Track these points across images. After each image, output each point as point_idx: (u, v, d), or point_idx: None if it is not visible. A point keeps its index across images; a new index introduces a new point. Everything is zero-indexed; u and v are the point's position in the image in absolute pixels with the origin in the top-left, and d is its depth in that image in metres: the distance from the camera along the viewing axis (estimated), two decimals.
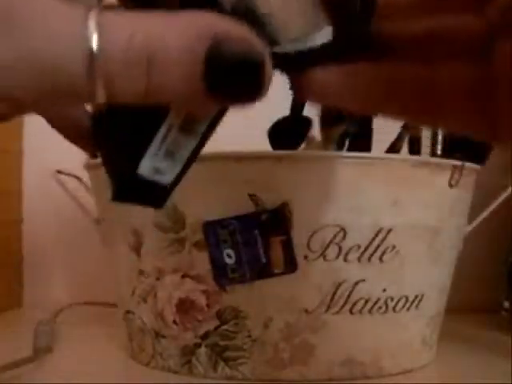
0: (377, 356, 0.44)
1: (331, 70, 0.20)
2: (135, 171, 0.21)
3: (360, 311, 0.43)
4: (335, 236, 0.41)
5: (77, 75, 0.17)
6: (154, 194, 0.22)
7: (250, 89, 0.17)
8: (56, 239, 0.77)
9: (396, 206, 0.42)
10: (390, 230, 0.42)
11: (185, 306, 0.43)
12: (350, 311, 0.42)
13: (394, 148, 0.50)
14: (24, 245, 0.76)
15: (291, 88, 0.21)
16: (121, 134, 0.22)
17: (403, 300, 0.44)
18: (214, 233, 0.41)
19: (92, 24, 0.16)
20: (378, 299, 0.43)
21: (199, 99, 0.17)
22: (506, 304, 0.65)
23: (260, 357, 0.42)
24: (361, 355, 0.43)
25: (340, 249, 0.41)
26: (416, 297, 0.45)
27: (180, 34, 0.17)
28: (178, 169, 0.22)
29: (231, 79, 0.17)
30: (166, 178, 0.22)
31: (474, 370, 0.47)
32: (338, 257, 0.41)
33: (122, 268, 0.47)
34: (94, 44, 0.16)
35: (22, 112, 0.18)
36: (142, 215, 0.44)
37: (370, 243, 0.42)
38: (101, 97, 0.17)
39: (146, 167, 0.21)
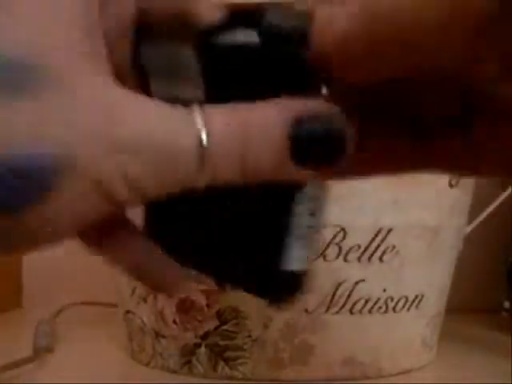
0: (377, 356, 0.44)
1: None
2: (279, 265, 0.21)
3: (360, 311, 0.43)
4: (335, 236, 0.41)
5: (188, 165, 0.19)
6: (296, 285, 0.21)
7: (334, 155, 0.20)
8: None
9: (396, 206, 0.42)
10: (390, 230, 0.42)
11: (185, 306, 0.43)
12: (350, 311, 0.42)
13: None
14: None
15: None
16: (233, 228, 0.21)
17: (403, 300, 0.44)
18: None
19: (198, 120, 0.19)
20: (378, 299, 0.43)
21: (289, 172, 0.20)
22: (506, 304, 0.65)
23: (260, 357, 0.42)
24: (361, 355, 0.43)
25: (340, 249, 0.41)
26: (416, 297, 0.45)
27: (266, 119, 0.19)
28: (308, 253, 0.21)
29: (315, 151, 0.19)
30: (303, 265, 0.21)
31: (474, 370, 0.47)
32: (338, 257, 0.41)
33: None
34: (204, 138, 0.19)
35: (142, 200, 0.20)
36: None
37: (370, 243, 0.42)
38: (203, 182, 0.19)
39: (289, 259, 0.21)
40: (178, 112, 0.19)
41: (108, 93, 0.19)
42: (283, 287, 0.21)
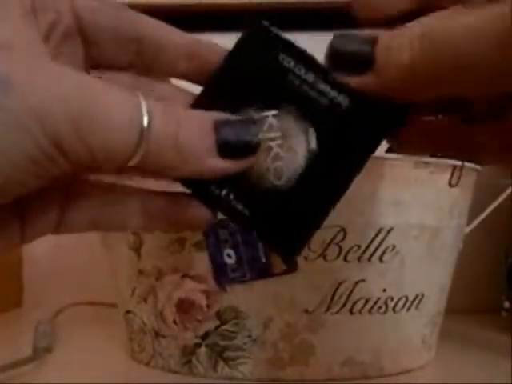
0: (377, 356, 0.44)
1: None
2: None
3: (360, 311, 0.43)
4: (335, 236, 0.41)
5: (127, 139, 0.22)
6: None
7: (244, 152, 0.24)
8: (56, 239, 0.77)
9: (396, 205, 0.42)
10: (389, 230, 0.42)
11: (185, 306, 0.43)
12: (350, 311, 0.42)
13: (394, 148, 0.50)
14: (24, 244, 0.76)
15: None
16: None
17: (403, 300, 0.44)
18: (214, 233, 0.41)
19: (144, 110, 0.22)
20: (378, 299, 0.43)
21: (214, 162, 0.24)
22: (506, 304, 0.65)
23: (260, 357, 0.42)
24: (361, 355, 0.43)
25: (340, 249, 0.41)
26: (416, 297, 0.45)
27: (196, 113, 0.24)
28: None
29: (232, 147, 0.24)
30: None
31: (474, 370, 0.47)
32: (338, 257, 0.41)
33: (122, 268, 0.47)
34: (145, 124, 0.22)
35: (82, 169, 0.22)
36: None
37: (370, 243, 0.42)
38: (139, 156, 0.22)
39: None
40: (124, 92, 0.22)
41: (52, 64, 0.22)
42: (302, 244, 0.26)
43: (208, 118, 0.24)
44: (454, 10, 0.22)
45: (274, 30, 0.25)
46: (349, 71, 0.24)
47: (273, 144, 0.25)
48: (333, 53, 0.24)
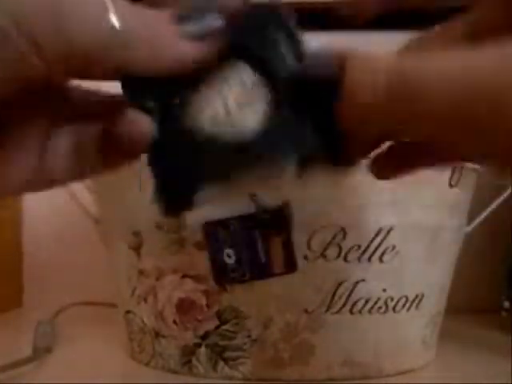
0: (377, 356, 0.44)
1: None
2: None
3: (360, 311, 0.43)
4: (335, 236, 0.41)
5: (102, 35, 0.21)
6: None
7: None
8: (56, 239, 0.77)
9: (396, 205, 0.42)
10: (389, 230, 0.42)
11: (185, 306, 0.43)
12: (350, 311, 0.42)
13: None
14: (24, 245, 0.76)
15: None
16: None
17: (403, 300, 0.44)
18: (214, 233, 0.41)
19: (111, 9, 0.21)
20: (378, 299, 0.43)
21: (185, 51, 0.23)
22: (506, 304, 0.65)
23: (260, 357, 0.42)
24: (361, 355, 0.43)
25: (340, 249, 0.41)
26: (416, 297, 0.45)
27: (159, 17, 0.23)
28: None
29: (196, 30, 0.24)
30: None
31: (474, 370, 0.47)
32: (338, 257, 0.41)
33: (122, 268, 0.47)
34: (115, 22, 0.21)
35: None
36: (142, 215, 0.44)
37: (370, 243, 0.42)
38: (114, 60, 0.21)
39: None
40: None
41: None
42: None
43: (164, 12, 0.24)
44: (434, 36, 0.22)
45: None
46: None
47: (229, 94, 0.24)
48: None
